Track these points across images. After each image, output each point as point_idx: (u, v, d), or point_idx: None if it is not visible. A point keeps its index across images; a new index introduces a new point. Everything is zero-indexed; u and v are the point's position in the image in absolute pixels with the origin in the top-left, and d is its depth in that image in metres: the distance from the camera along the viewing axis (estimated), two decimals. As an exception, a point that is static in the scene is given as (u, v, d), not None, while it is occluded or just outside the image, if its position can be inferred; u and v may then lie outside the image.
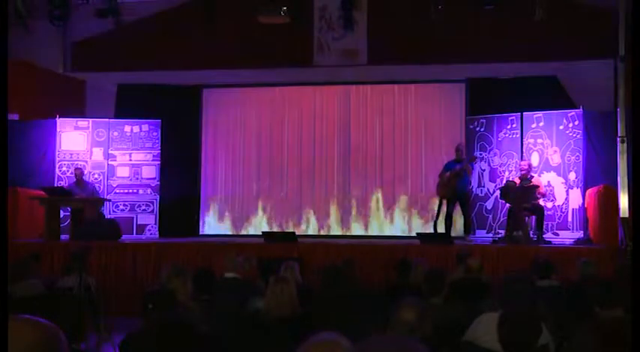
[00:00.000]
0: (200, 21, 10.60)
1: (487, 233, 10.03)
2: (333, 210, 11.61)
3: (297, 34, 10.65)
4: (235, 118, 12.01)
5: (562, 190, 9.63)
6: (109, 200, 10.70)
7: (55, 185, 10.52)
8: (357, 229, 11.51)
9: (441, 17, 9.88)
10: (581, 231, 9.29)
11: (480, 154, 10.30)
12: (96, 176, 10.97)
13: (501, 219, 9.83)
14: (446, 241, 8.86)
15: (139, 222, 11.00)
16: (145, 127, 11.17)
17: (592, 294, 3.77)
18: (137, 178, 11.09)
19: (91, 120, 11.19)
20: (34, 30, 10.59)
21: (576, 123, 9.58)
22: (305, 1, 10.64)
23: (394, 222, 11.44)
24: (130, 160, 11.11)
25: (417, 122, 11.55)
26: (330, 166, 11.71)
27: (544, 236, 9.08)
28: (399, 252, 8.16)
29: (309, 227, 11.61)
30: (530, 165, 9.49)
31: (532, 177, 9.41)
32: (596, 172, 9.41)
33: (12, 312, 1.63)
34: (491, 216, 10.16)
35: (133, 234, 10.76)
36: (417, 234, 9.79)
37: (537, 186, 9.16)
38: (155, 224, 11.03)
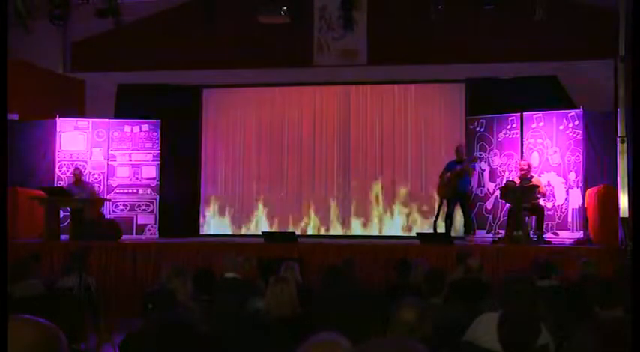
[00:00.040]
0: (200, 21, 10.61)
1: (487, 233, 10.03)
2: (333, 210, 11.61)
3: (297, 34, 10.67)
4: (235, 118, 12.00)
5: (562, 190, 9.63)
6: (109, 200, 10.70)
7: (55, 185, 10.52)
8: (357, 229, 11.51)
9: (441, 17, 9.89)
10: (581, 231, 9.29)
11: (480, 154, 10.31)
12: (96, 176, 10.97)
13: (501, 219, 9.83)
14: (446, 241, 8.86)
15: (138, 222, 11.00)
16: (145, 127, 11.17)
17: (592, 294, 3.77)
18: (137, 178, 11.09)
19: (90, 120, 11.19)
20: (34, 30, 10.59)
21: (576, 123, 9.58)
22: (305, 1, 10.65)
23: (394, 221, 11.44)
24: (130, 160, 11.11)
25: (416, 122, 11.55)
26: (330, 166, 11.71)
27: (544, 236, 9.08)
28: (399, 252, 8.16)
29: (309, 227, 11.61)
30: (529, 165, 9.49)
31: (532, 177, 9.41)
32: (596, 172, 9.41)
33: (12, 312, 1.63)
34: (491, 216, 10.16)
35: (132, 234, 10.76)
36: (417, 234, 9.79)
37: (537, 186, 9.16)
38: (155, 224, 11.02)
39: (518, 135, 10.07)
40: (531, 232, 9.05)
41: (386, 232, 11.37)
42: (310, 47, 10.70)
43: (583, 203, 9.34)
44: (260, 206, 11.77)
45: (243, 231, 11.72)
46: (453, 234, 9.76)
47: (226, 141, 12.00)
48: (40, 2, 10.32)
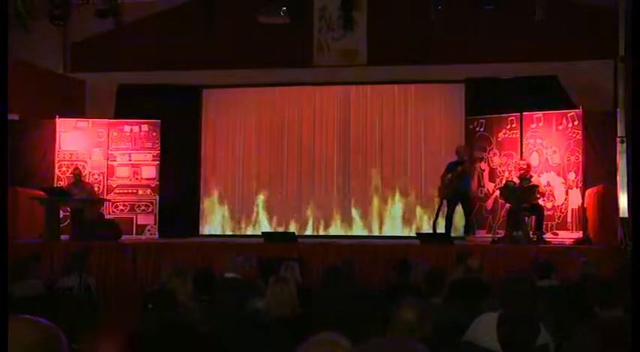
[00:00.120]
0: (200, 21, 10.61)
1: (487, 233, 10.03)
2: (333, 210, 11.61)
3: (296, 35, 10.66)
4: (235, 118, 12.00)
5: (561, 190, 9.64)
6: (109, 200, 10.70)
7: (55, 185, 10.52)
8: (356, 229, 11.51)
9: (440, 17, 9.88)
10: (581, 231, 9.29)
11: (480, 154, 10.30)
12: (96, 176, 10.97)
13: (501, 219, 9.83)
14: (446, 241, 8.86)
15: (138, 222, 11.00)
16: (145, 127, 11.17)
17: (592, 294, 3.77)
18: (137, 178, 11.09)
19: (90, 120, 11.19)
20: (34, 30, 10.58)
21: (576, 123, 9.58)
22: (305, 1, 10.65)
23: (394, 221, 11.44)
24: (130, 160, 11.11)
25: (416, 122, 11.54)
26: (329, 166, 11.71)
27: (544, 236, 9.08)
28: (399, 252, 8.16)
29: (309, 227, 11.61)
30: (529, 165, 9.50)
31: (531, 176, 9.41)
32: (596, 172, 9.41)
33: (12, 312, 1.63)
34: (490, 216, 10.16)
35: (132, 234, 10.76)
36: (417, 234, 9.80)
37: (537, 186, 9.17)
38: (155, 224, 11.02)
39: (518, 135, 10.07)
40: (531, 232, 9.05)
41: (386, 232, 11.37)
42: (310, 47, 10.69)
43: (583, 203, 9.34)
44: (260, 206, 11.76)
45: (243, 231, 11.72)
46: (452, 234, 9.76)
47: (226, 141, 12.00)
48: (40, 2, 10.31)
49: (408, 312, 2.94)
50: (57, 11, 10.26)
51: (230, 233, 11.74)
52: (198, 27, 10.66)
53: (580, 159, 9.47)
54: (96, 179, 10.93)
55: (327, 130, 11.74)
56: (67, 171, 10.68)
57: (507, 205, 9.33)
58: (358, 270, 7.43)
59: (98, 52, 11.17)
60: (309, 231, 11.51)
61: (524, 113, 10.03)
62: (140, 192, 11.08)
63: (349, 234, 11.40)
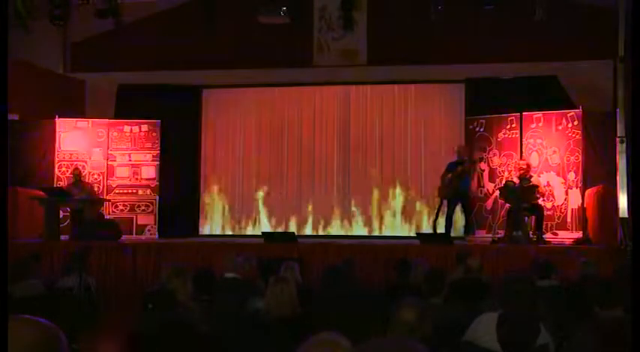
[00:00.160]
0: (200, 21, 10.61)
1: (487, 233, 10.03)
2: (333, 210, 11.60)
3: (296, 35, 10.66)
4: (235, 118, 12.00)
5: (561, 190, 9.64)
6: (109, 200, 10.70)
7: (55, 185, 10.52)
8: (356, 229, 11.51)
9: (440, 17, 9.88)
10: (581, 231, 9.29)
11: (480, 154, 10.31)
12: (95, 176, 10.97)
13: (501, 219, 9.83)
14: (446, 241, 8.86)
15: (138, 223, 11.00)
16: (145, 128, 11.17)
17: (592, 294, 3.77)
18: (137, 178, 11.09)
19: (90, 120, 11.19)
20: (34, 30, 10.58)
21: (575, 123, 9.58)
22: (305, 1, 10.65)
23: (394, 221, 11.44)
24: (130, 160, 11.11)
25: (416, 122, 11.54)
26: (329, 166, 11.71)
27: (543, 236, 9.08)
28: (399, 252, 8.16)
29: (309, 227, 11.61)
30: (529, 165, 9.50)
31: (531, 177, 9.42)
32: (596, 172, 9.41)
33: (12, 312, 1.63)
34: (490, 216, 10.16)
35: (132, 234, 10.76)
36: (417, 234, 9.80)
37: (537, 186, 9.17)
38: (155, 224, 11.02)
39: (518, 135, 10.08)
40: (531, 232, 9.05)
41: (386, 232, 11.37)
42: (310, 47, 10.69)
43: (582, 203, 9.34)
44: (260, 206, 11.77)
45: (243, 231, 11.72)
46: (452, 234, 9.76)
47: (226, 142, 12.00)
48: (40, 2, 10.31)
49: (408, 312, 2.94)
50: (57, 11, 10.26)
51: (230, 233, 11.74)
52: (198, 27, 10.66)
53: (580, 159, 9.47)
54: (96, 179, 10.93)
55: (327, 130, 11.74)
56: (67, 171, 10.68)
57: (507, 205, 9.33)
58: (358, 270, 7.43)
59: (98, 52, 11.17)
60: (309, 231, 11.51)
61: (524, 113, 10.03)
62: (140, 192, 11.08)
63: (349, 233, 11.40)
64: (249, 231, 11.68)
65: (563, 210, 9.60)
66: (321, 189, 11.68)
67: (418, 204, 11.39)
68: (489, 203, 10.21)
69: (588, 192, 9.26)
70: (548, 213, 9.46)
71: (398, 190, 11.49)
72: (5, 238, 3.41)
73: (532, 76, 10.54)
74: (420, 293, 4.48)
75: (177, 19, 10.93)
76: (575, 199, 9.47)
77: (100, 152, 11.06)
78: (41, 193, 9.71)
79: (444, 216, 9.92)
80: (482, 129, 10.46)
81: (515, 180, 9.38)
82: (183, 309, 3.99)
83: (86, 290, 5.99)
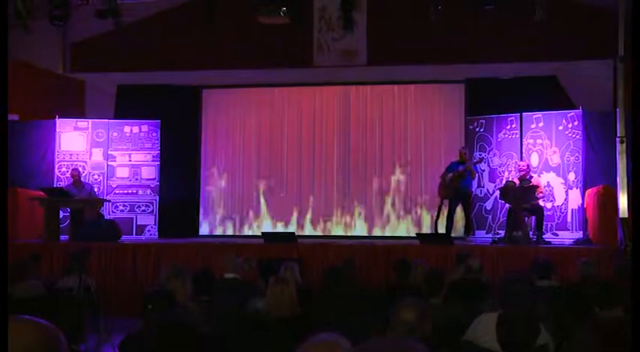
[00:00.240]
0: (200, 21, 10.60)
1: (487, 233, 10.03)
2: (333, 210, 11.61)
3: (296, 35, 10.65)
4: (235, 119, 12.01)
5: (561, 190, 9.64)
6: (109, 200, 10.70)
7: (55, 186, 10.52)
8: (356, 229, 11.51)
9: (440, 17, 9.88)
10: (581, 232, 9.30)
11: (480, 155, 10.31)
12: (95, 177, 10.97)
13: (501, 220, 9.84)
14: (446, 241, 8.86)
15: (138, 223, 11.00)
16: (145, 128, 11.18)
17: (592, 294, 3.77)
18: (137, 179, 11.10)
19: (90, 120, 11.19)
20: (33, 30, 10.58)
21: (576, 123, 9.58)
22: (305, 1, 10.64)
23: (393, 222, 11.44)
24: (130, 161, 11.12)
25: (416, 122, 11.55)
26: (329, 166, 11.71)
27: (543, 236, 9.09)
28: (399, 252, 8.16)
29: (309, 227, 11.61)
30: (529, 166, 9.50)
31: (531, 177, 9.42)
32: (596, 172, 9.41)
33: (12, 313, 1.63)
34: (490, 216, 10.16)
35: (132, 234, 10.76)
36: (417, 234, 9.80)
37: (537, 187, 9.17)
38: (155, 224, 11.03)
39: (518, 135, 10.08)
40: (531, 232, 9.06)
41: (386, 232, 11.37)
42: (310, 47, 10.69)
43: (582, 203, 9.35)
44: (260, 206, 11.77)
45: (243, 232, 11.72)
46: (452, 234, 9.76)
47: (226, 142, 12.00)
48: (40, 2, 10.31)
49: (408, 312, 2.94)
50: (57, 11, 10.26)
51: (230, 233, 11.74)
52: (198, 27, 10.66)
53: (580, 159, 9.47)
54: (96, 179, 10.94)
55: (327, 130, 11.75)
56: (67, 171, 10.68)
57: (507, 206, 9.33)
58: (358, 270, 7.44)
59: (98, 53, 11.16)
60: (308, 231, 11.51)
61: (524, 113, 10.04)
62: (140, 192, 11.09)
63: (349, 234, 11.40)
64: (249, 231, 11.68)
65: (563, 211, 9.60)
66: (321, 189, 11.68)
67: (418, 204, 11.39)
68: (489, 203, 10.21)
69: (588, 192, 9.26)
70: (548, 213, 9.47)
71: (397, 190, 11.49)
72: (5, 238, 3.41)
73: (532, 76, 10.54)
74: (419, 293, 4.48)
75: (177, 19, 10.92)
76: (575, 199, 9.47)
77: (100, 152, 11.07)
78: (41, 194, 9.71)
79: (445, 216, 9.92)
80: (482, 130, 10.46)
81: (516, 180, 9.38)
82: (182, 310, 3.99)
83: (86, 290, 5.98)
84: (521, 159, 9.77)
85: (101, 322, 6.07)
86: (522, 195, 9.06)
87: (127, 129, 11.16)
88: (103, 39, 11.04)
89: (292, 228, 11.15)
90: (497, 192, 9.67)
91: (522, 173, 9.35)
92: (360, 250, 8.57)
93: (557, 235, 9.45)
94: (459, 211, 10.14)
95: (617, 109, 8.96)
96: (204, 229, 11.85)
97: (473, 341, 3.28)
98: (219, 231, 11.81)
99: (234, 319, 4.06)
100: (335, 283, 4.81)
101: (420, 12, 10.07)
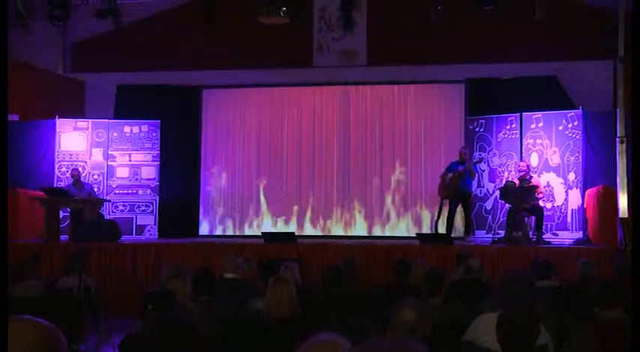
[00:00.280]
0: (200, 21, 10.61)
1: (487, 233, 10.03)
2: (333, 211, 11.60)
3: (296, 35, 10.65)
4: (235, 119, 12.01)
5: (561, 191, 9.64)
6: (109, 200, 10.70)
7: (55, 186, 10.52)
8: (356, 229, 11.51)
9: (440, 18, 9.88)
10: (581, 232, 9.30)
11: (480, 155, 10.31)
12: (95, 177, 10.97)
13: (501, 220, 9.84)
14: (445, 241, 8.86)
15: (138, 223, 11.00)
16: (145, 128, 11.18)
17: (591, 295, 3.77)
18: (137, 179, 11.10)
19: (90, 120, 11.19)
20: (33, 30, 10.58)
21: (576, 123, 9.59)
22: (305, 1, 10.64)
23: (393, 221, 11.44)
24: (130, 161, 11.12)
25: (416, 123, 11.55)
26: (329, 167, 11.71)
27: (543, 236, 9.09)
28: (399, 252, 8.16)
29: (309, 227, 11.61)
30: (529, 166, 9.50)
31: (531, 177, 9.42)
32: (596, 173, 9.41)
33: (12, 313, 1.63)
34: (490, 216, 10.16)
35: (132, 234, 10.76)
36: (417, 234, 9.80)
37: (537, 187, 9.17)
38: (155, 224, 11.03)
39: (518, 135, 10.08)
40: (531, 232, 9.06)
41: (386, 232, 11.37)
42: (310, 48, 10.69)
43: (582, 203, 9.35)
44: (260, 206, 11.76)
45: (243, 232, 11.72)
46: (452, 234, 9.76)
47: (226, 142, 12.00)
48: (40, 2, 10.31)
49: (408, 313, 2.94)
50: (56, 11, 10.26)
51: (230, 233, 11.74)
52: (198, 27, 10.66)
53: (580, 159, 9.48)
54: (96, 179, 10.94)
55: (327, 130, 11.75)
56: (67, 171, 10.68)
57: (507, 206, 9.33)
58: (358, 270, 7.44)
59: (98, 53, 11.17)
60: (308, 231, 11.51)
61: (523, 113, 10.04)
62: (140, 192, 11.09)
63: (349, 234, 11.40)
64: (249, 231, 11.68)
65: (563, 211, 9.60)
66: (321, 189, 11.68)
67: (418, 204, 11.38)
68: (489, 203, 10.21)
69: (588, 192, 9.26)
70: (548, 213, 9.47)
71: (397, 190, 11.49)
72: (5, 239, 3.41)
73: (532, 76, 10.54)
74: (419, 293, 4.48)
75: (177, 19, 10.92)
76: (575, 199, 9.47)
77: (100, 152, 11.07)
78: (41, 194, 9.71)
79: (446, 217, 9.92)
80: (481, 130, 10.46)
81: (516, 180, 9.38)
82: (182, 310, 3.99)
83: (86, 290, 5.98)
84: (521, 159, 9.77)
85: (101, 322, 6.07)
86: (522, 195, 9.06)
87: (126, 129, 11.16)
88: (102, 39, 11.04)
89: (292, 228, 11.14)
90: (497, 192, 9.67)
91: (522, 173, 9.35)
92: (360, 250, 8.57)
93: (557, 235, 9.45)
94: (459, 211, 10.13)
95: (617, 109, 8.97)
96: (204, 229, 11.85)
97: (473, 341, 3.28)
98: (219, 231, 11.81)
99: (234, 319, 4.06)
100: (335, 283, 4.81)
101: (420, 12, 10.07)
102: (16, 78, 9.16)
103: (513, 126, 10.15)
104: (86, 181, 10.51)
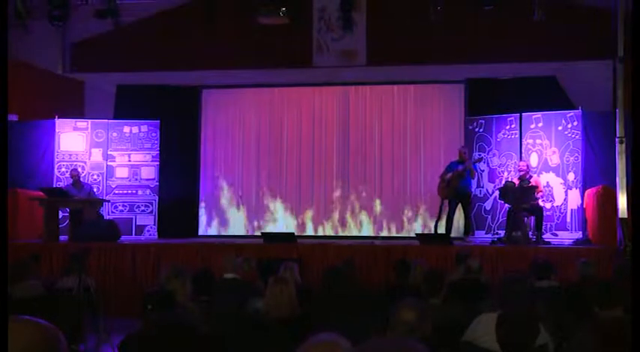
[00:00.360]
0: (200, 21, 10.61)
1: (486, 233, 10.03)
2: (333, 211, 11.60)
3: (296, 35, 10.66)
4: (234, 119, 12.00)
5: (561, 191, 9.64)
6: (108, 201, 10.70)
7: (54, 186, 10.52)
8: (356, 230, 11.51)
9: (440, 18, 9.89)
10: (580, 232, 9.30)
11: (479, 155, 10.32)
12: (95, 177, 10.97)
13: (500, 220, 9.84)
14: (445, 242, 8.86)
15: (138, 223, 11.00)
16: (144, 128, 11.17)
17: (591, 295, 3.77)
18: (136, 179, 11.09)
19: (90, 120, 11.19)
20: (33, 30, 10.58)
21: (575, 123, 9.59)
22: (304, 2, 10.65)
23: (393, 222, 11.43)
24: (129, 161, 11.11)
25: (416, 123, 11.55)
26: (329, 167, 11.71)
27: (543, 236, 9.09)
28: (399, 252, 8.16)
29: (309, 227, 11.61)
30: (528, 166, 9.50)
31: (531, 177, 9.42)
32: (595, 173, 9.41)
33: (11, 313, 1.63)
34: (490, 216, 10.16)
35: (132, 234, 10.76)
36: (416, 234, 9.80)
37: (536, 187, 9.17)
38: (154, 225, 11.03)
39: (517, 135, 10.08)
40: (530, 233, 9.06)
41: (385, 232, 11.37)
42: (309, 48, 10.69)
43: (582, 203, 9.35)
44: (259, 206, 11.76)
45: (243, 232, 11.72)
46: (452, 234, 9.76)
47: (225, 142, 12.00)
48: (40, 3, 10.31)
49: (408, 313, 2.94)
50: (56, 12, 10.26)
51: (230, 233, 11.74)
52: (198, 27, 10.67)
53: (579, 159, 9.48)
54: (95, 179, 10.93)
55: (326, 131, 11.75)
56: (67, 171, 10.67)
57: (507, 206, 9.33)
58: (358, 271, 7.44)
59: (97, 53, 11.17)
60: (308, 232, 11.51)
61: (523, 113, 10.04)
62: (139, 192, 11.08)
63: (349, 234, 11.40)
64: (249, 231, 11.68)
65: (562, 211, 9.60)
66: (320, 189, 11.68)
67: (418, 205, 11.38)
68: (489, 203, 10.21)
69: (588, 192, 9.26)
70: (548, 213, 9.47)
71: (397, 190, 11.49)
72: (5, 238, 3.41)
73: (532, 77, 10.55)
74: (419, 293, 4.48)
75: (177, 19, 10.93)
76: (574, 200, 9.47)
77: (100, 152, 11.06)
78: (41, 194, 9.71)
79: (446, 217, 9.92)
80: (481, 130, 10.46)
81: (515, 180, 9.38)
82: (182, 310, 3.99)
83: (85, 291, 5.98)
84: (521, 160, 9.77)
85: (101, 322, 6.07)
86: (522, 195, 9.06)
87: (126, 129, 11.15)
88: (102, 39, 11.04)
89: (292, 228, 11.14)
90: (497, 193, 9.67)
91: (522, 173, 9.35)
92: (360, 250, 8.57)
93: (556, 235, 9.46)
94: (459, 211, 10.13)
95: (617, 110, 8.97)
96: (203, 229, 11.85)
97: (472, 341, 3.28)
98: (219, 231, 11.80)
99: (233, 319, 4.06)
100: (335, 283, 4.82)
101: (420, 12, 10.08)
102: (16, 78, 9.16)
103: (513, 126, 10.15)
104: (86, 181, 10.51)
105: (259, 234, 10.28)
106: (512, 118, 10.15)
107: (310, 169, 11.72)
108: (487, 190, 10.30)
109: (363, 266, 8.07)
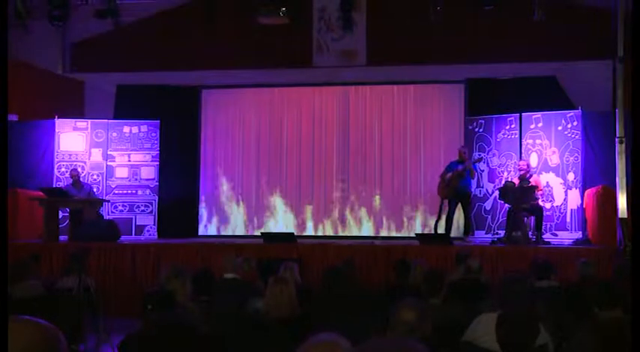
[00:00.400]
0: (200, 21, 10.61)
1: (486, 233, 10.03)
2: (333, 211, 11.60)
3: (296, 35, 10.66)
4: (234, 119, 12.00)
5: (561, 191, 9.64)
6: (108, 201, 10.70)
7: (54, 186, 10.52)
8: (356, 230, 11.51)
9: (440, 18, 9.89)
10: (580, 232, 9.30)
11: (479, 155, 10.32)
12: (95, 177, 10.97)
13: (500, 220, 9.84)
14: (445, 242, 8.86)
15: (137, 223, 11.00)
16: (144, 128, 11.17)
17: (591, 295, 3.77)
18: (136, 179, 11.10)
19: (89, 120, 11.19)
20: (33, 30, 10.58)
21: (575, 123, 9.59)
22: (304, 2, 10.65)
23: (393, 222, 11.43)
24: (129, 161, 11.11)
25: (416, 123, 11.55)
26: (329, 167, 11.71)
27: (543, 236, 9.09)
28: (399, 252, 8.16)
29: (309, 227, 11.61)
30: (528, 166, 9.50)
31: (531, 176, 9.42)
32: (595, 173, 9.42)
33: (11, 313, 1.63)
34: (490, 216, 10.16)
35: (132, 234, 10.76)
36: (416, 234, 9.80)
37: (536, 187, 9.17)
38: (154, 225, 11.03)
39: (517, 135, 10.08)
40: (530, 233, 9.06)
41: (385, 232, 11.37)
42: (309, 48, 10.69)
43: (582, 203, 9.35)
44: (259, 206, 11.76)
45: (243, 232, 11.72)
46: (452, 234, 9.76)
47: (225, 142, 12.00)
48: (40, 3, 10.31)
49: (408, 313, 2.94)
50: (56, 12, 10.26)
51: (230, 233, 11.74)
52: (198, 27, 10.67)
53: (579, 159, 9.48)
54: (95, 179, 10.93)
55: (326, 131, 11.75)
56: (66, 171, 10.67)
57: (507, 206, 9.33)
58: (358, 271, 7.44)
59: (97, 53, 11.17)
60: (308, 232, 11.51)
61: (523, 113, 10.04)
62: (139, 192, 11.08)
63: (348, 234, 11.39)
64: (249, 231, 11.68)
65: (562, 211, 9.60)
66: (320, 189, 11.68)
67: (417, 205, 11.38)
68: (489, 203, 10.21)
69: (588, 192, 9.26)
70: (548, 213, 9.47)
71: (397, 190, 11.49)
72: (5, 238, 3.41)
73: (531, 77, 10.55)
74: (419, 293, 4.48)
75: (177, 19, 10.93)
76: (574, 200, 9.47)
77: (100, 152, 11.06)
78: (41, 194, 9.71)
79: (445, 217, 9.92)
80: (481, 130, 10.46)
81: (515, 180, 9.39)
82: (182, 310, 3.99)
83: (85, 291, 5.98)
84: (521, 159, 9.77)
85: (100, 322, 6.07)
86: (522, 195, 9.06)
87: (126, 129, 11.15)
88: (102, 39, 11.04)
89: (292, 228, 11.14)
90: (497, 193, 9.66)
91: (522, 173, 9.35)
92: (360, 250, 8.57)
93: (556, 235, 9.46)
94: (458, 211, 10.13)
95: (617, 110, 8.97)
96: (203, 229, 11.84)
97: (472, 341, 3.28)
98: (219, 231, 11.80)
99: (233, 319, 4.06)
100: (335, 283, 4.82)
101: (420, 12, 10.08)
102: (16, 78, 9.16)
103: (513, 126, 10.15)
104: (85, 181, 10.51)
105: (259, 233, 10.28)
106: (512, 118, 10.15)
107: (310, 169, 11.72)
108: (487, 190, 10.30)
109: (363, 266, 8.07)
